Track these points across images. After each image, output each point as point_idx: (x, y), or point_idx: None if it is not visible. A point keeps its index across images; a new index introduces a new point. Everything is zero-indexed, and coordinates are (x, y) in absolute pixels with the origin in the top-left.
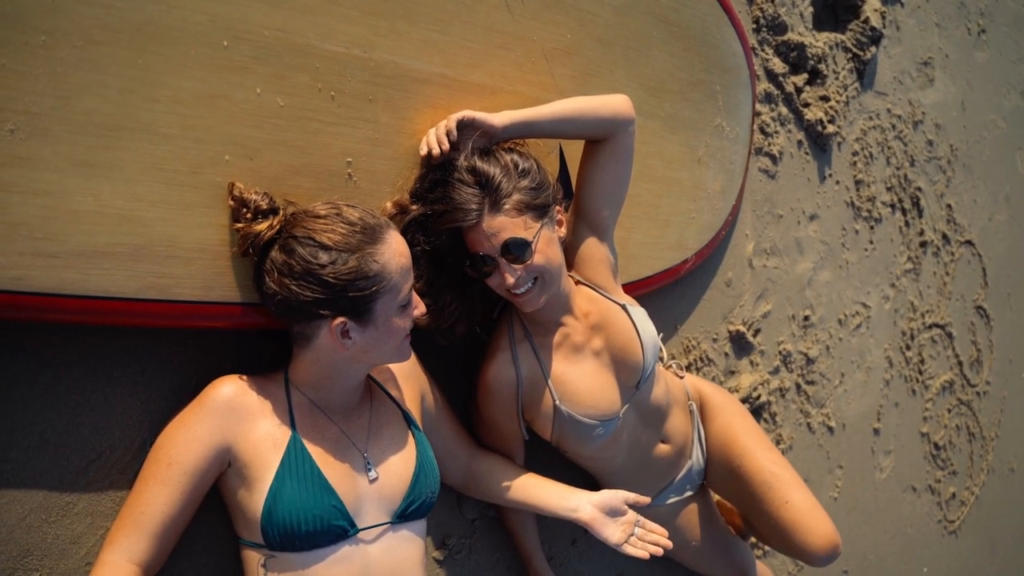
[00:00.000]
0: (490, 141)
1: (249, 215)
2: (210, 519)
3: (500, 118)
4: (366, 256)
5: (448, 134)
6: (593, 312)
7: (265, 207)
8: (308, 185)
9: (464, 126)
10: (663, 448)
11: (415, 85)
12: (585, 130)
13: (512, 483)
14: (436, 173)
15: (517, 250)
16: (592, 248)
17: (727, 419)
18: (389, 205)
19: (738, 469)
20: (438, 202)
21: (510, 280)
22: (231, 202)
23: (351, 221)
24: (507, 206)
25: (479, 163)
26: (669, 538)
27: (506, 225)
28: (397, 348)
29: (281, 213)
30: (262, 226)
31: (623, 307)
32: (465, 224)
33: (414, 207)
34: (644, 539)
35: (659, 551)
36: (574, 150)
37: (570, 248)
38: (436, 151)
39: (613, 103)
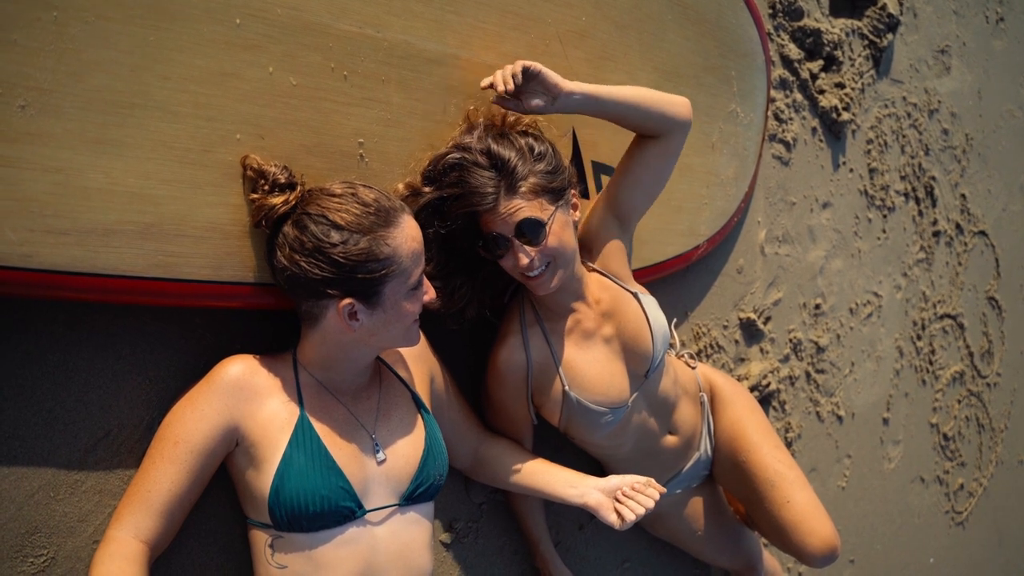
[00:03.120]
0: (550, 102)
1: (267, 187)
2: (218, 498)
3: (568, 83)
4: (378, 239)
5: (514, 76)
6: (605, 299)
7: (283, 181)
8: (320, 165)
9: (531, 76)
10: (670, 439)
11: (428, 66)
12: (647, 122)
13: (520, 468)
14: (450, 156)
15: (531, 231)
16: (614, 238)
17: (737, 413)
18: (401, 187)
19: (743, 464)
20: (453, 186)
21: (524, 262)
22: (250, 172)
23: (366, 202)
24: (523, 189)
25: (494, 146)
26: (677, 529)
27: (522, 207)
28: (405, 333)
29: (299, 189)
30: (277, 200)
31: (635, 295)
32: (481, 208)
33: (427, 189)
34: (631, 497)
35: (649, 505)
36: (587, 134)
37: (593, 236)
38: (501, 88)
39: (678, 102)
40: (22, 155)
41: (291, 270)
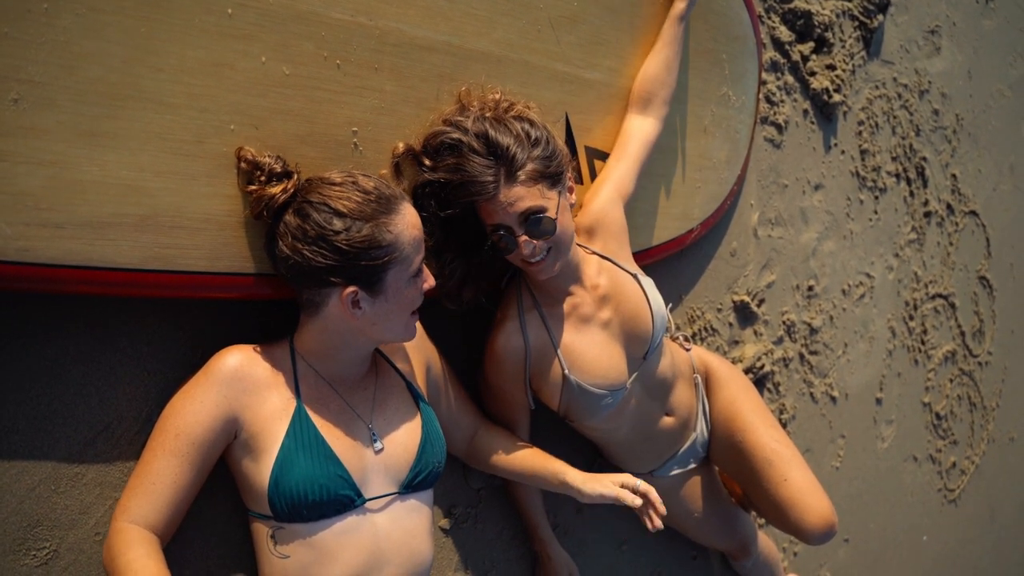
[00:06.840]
0: None
1: (263, 178)
2: (218, 489)
3: None
4: (380, 225)
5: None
6: (602, 283)
7: (279, 170)
8: (314, 155)
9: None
10: (667, 420)
11: (420, 53)
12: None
13: (514, 457)
14: (446, 137)
15: (538, 225)
16: (619, 218)
17: (732, 393)
18: (401, 146)
19: (740, 444)
20: (451, 172)
21: (526, 250)
22: (244, 164)
23: (366, 190)
24: (522, 177)
25: (491, 132)
26: (675, 511)
27: (523, 194)
28: (405, 325)
29: (295, 177)
30: (276, 189)
31: (634, 277)
32: (481, 198)
33: (427, 162)
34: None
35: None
36: (580, 119)
37: (598, 218)
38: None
39: None
40: (16, 149)
41: (294, 259)
